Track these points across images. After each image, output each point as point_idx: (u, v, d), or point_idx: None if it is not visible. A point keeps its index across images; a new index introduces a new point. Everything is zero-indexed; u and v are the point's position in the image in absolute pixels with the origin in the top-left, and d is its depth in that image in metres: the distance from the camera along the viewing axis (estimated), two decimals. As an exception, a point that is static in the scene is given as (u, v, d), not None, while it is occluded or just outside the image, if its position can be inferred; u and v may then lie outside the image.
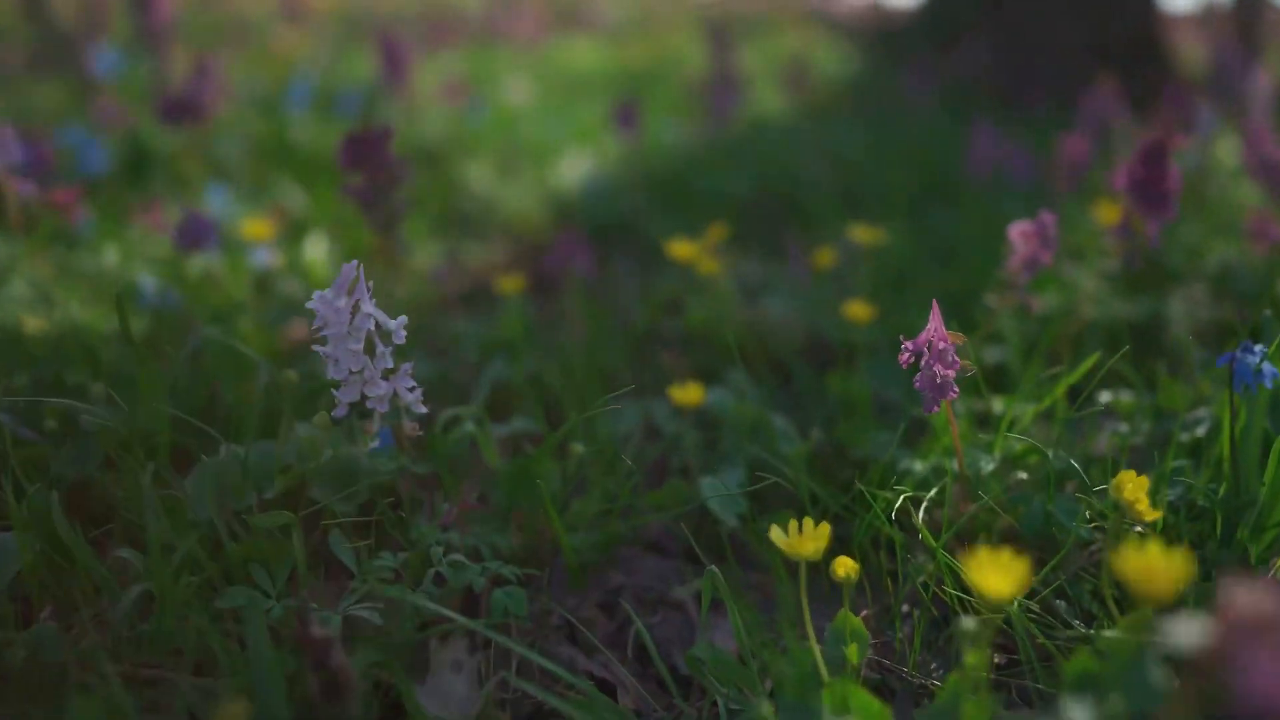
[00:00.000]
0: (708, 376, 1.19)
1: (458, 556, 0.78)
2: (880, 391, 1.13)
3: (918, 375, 0.74)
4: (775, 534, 0.66)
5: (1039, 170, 1.94)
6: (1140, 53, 3.22)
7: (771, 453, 0.97)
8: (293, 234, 1.63)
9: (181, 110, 1.70)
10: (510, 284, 1.22)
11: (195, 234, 1.10)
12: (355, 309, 0.72)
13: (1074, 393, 0.98)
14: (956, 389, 0.73)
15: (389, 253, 1.15)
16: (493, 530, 0.85)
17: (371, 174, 1.09)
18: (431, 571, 0.77)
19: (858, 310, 1.11)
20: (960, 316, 1.28)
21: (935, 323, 0.73)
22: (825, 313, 1.27)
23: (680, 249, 1.16)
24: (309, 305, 0.72)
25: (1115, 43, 3.14)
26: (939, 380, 0.72)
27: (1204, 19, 4.44)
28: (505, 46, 4.40)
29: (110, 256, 1.30)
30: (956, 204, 1.97)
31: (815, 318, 1.27)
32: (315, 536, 0.83)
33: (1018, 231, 1.01)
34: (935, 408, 0.74)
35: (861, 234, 1.26)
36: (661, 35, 5.29)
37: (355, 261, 0.72)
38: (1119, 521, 0.70)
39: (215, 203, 1.42)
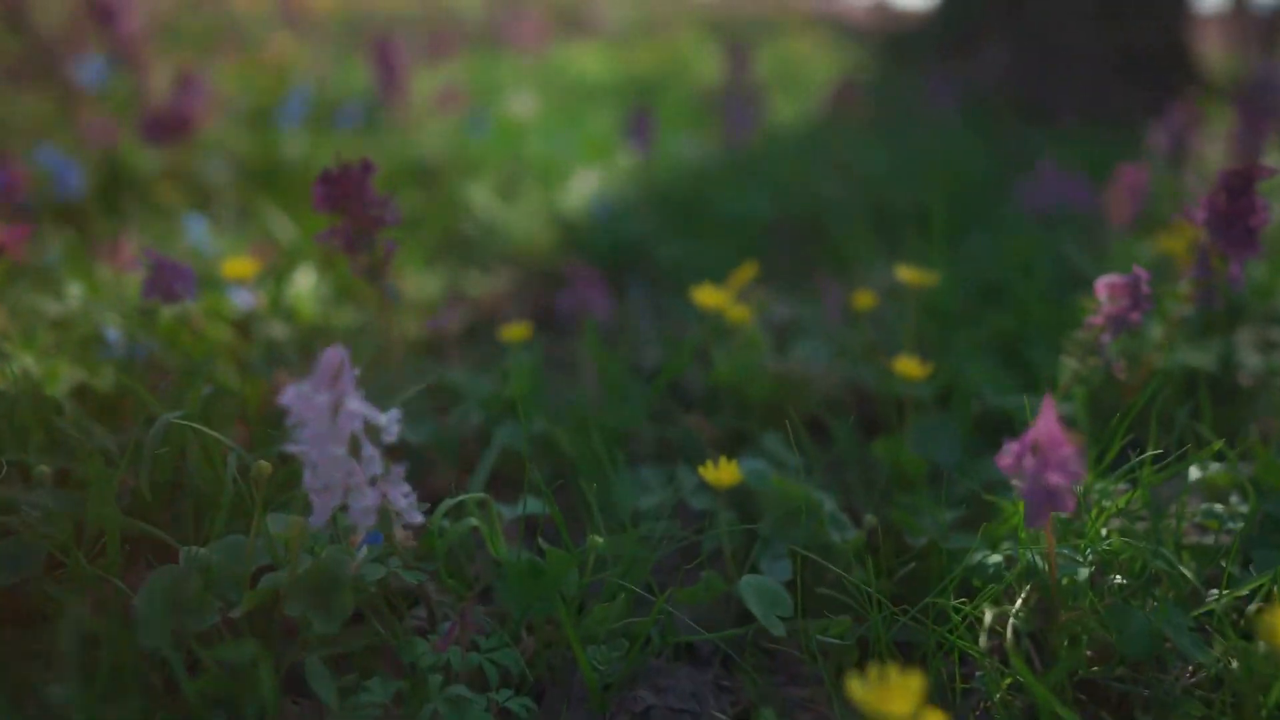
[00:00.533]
0: (738, 439, 1.07)
1: (459, 689, 0.66)
2: (933, 456, 1.01)
3: (1022, 482, 0.62)
4: (855, 689, 0.54)
5: (1075, 189, 1.82)
6: (1168, 60, 3.10)
7: (818, 541, 0.84)
8: (283, 263, 1.50)
9: (164, 128, 1.57)
10: (516, 331, 1.10)
11: (165, 285, 0.98)
12: (338, 405, 0.60)
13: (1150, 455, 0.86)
14: (1073, 500, 0.60)
15: (379, 302, 1.03)
16: (499, 644, 0.73)
17: (353, 216, 0.96)
18: (429, 708, 0.65)
19: (908, 367, 0.99)
20: (1017, 365, 1.15)
21: (1048, 420, 0.60)
22: (866, 363, 1.15)
23: (706, 296, 1.04)
24: (282, 401, 0.59)
25: (1143, 50, 3.02)
26: (1051, 490, 0.60)
27: (1229, 20, 4.31)
28: (507, 52, 4.28)
29: (75, 298, 1.18)
30: (992, 228, 1.85)
31: (855, 369, 1.14)
32: (292, 656, 0.71)
33: (1105, 285, 0.88)
34: (1043, 521, 0.61)
35: (908, 275, 1.13)
36: (667, 38, 5.17)
37: (338, 348, 0.60)
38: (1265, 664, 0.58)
39: (194, 235, 1.30)
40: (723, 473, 0.84)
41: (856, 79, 3.85)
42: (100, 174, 1.67)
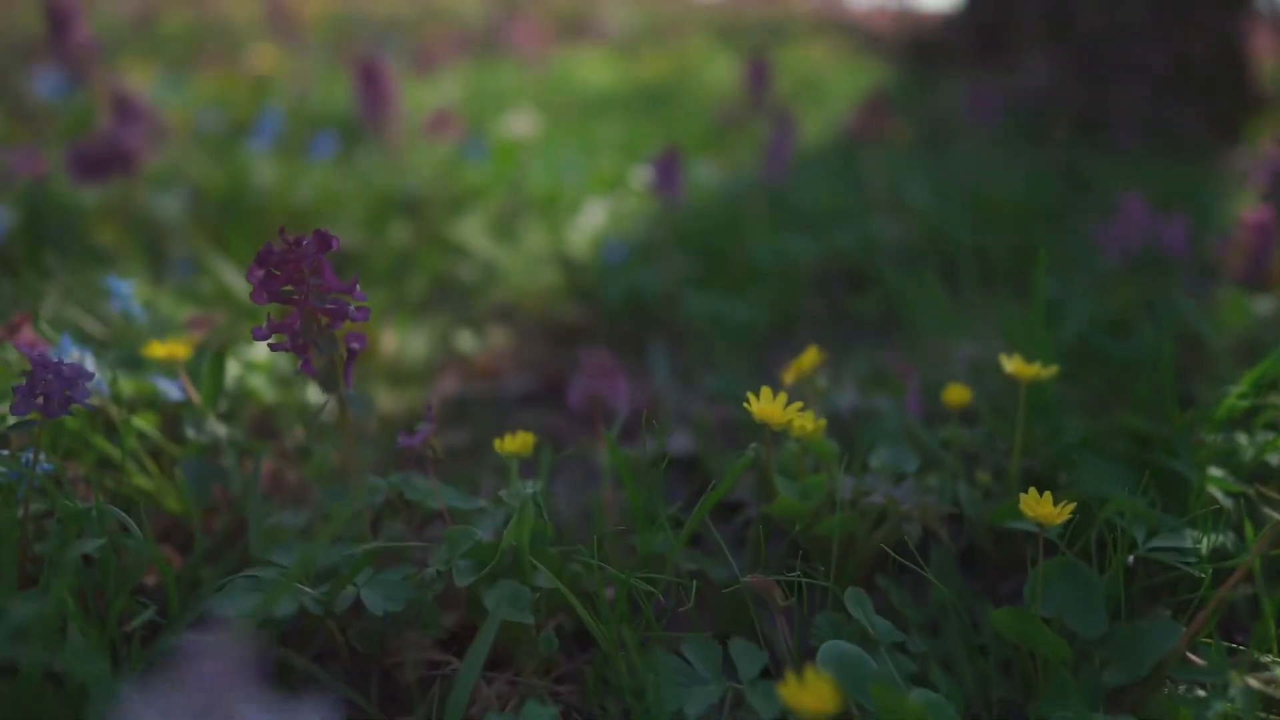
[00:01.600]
0: (812, 601, 0.82)
1: None
2: (1068, 622, 0.76)
3: None
4: None
5: (1169, 229, 1.57)
6: (1226, 72, 2.85)
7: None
8: (233, 331, 1.25)
9: (96, 165, 1.33)
10: (516, 444, 0.85)
11: (49, 394, 0.73)
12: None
13: None
14: None
15: (341, 414, 0.78)
16: None
17: (304, 309, 0.71)
18: None
19: (1040, 508, 0.74)
20: (1160, 485, 0.90)
21: None
22: (968, 487, 0.90)
23: (767, 411, 0.79)
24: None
25: (1200, 61, 2.77)
26: None
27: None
28: (507, 60, 4.03)
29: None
30: (1067, 272, 1.60)
31: (953, 489, 0.89)
32: None
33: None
34: None
35: (1016, 367, 0.88)
36: (676, 45, 4.92)
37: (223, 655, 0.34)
38: None
39: (120, 301, 1.05)
40: (811, 695, 0.59)
41: (887, 93, 3.61)
42: (24, 211, 1.42)
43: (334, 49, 3.87)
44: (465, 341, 1.41)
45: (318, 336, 0.73)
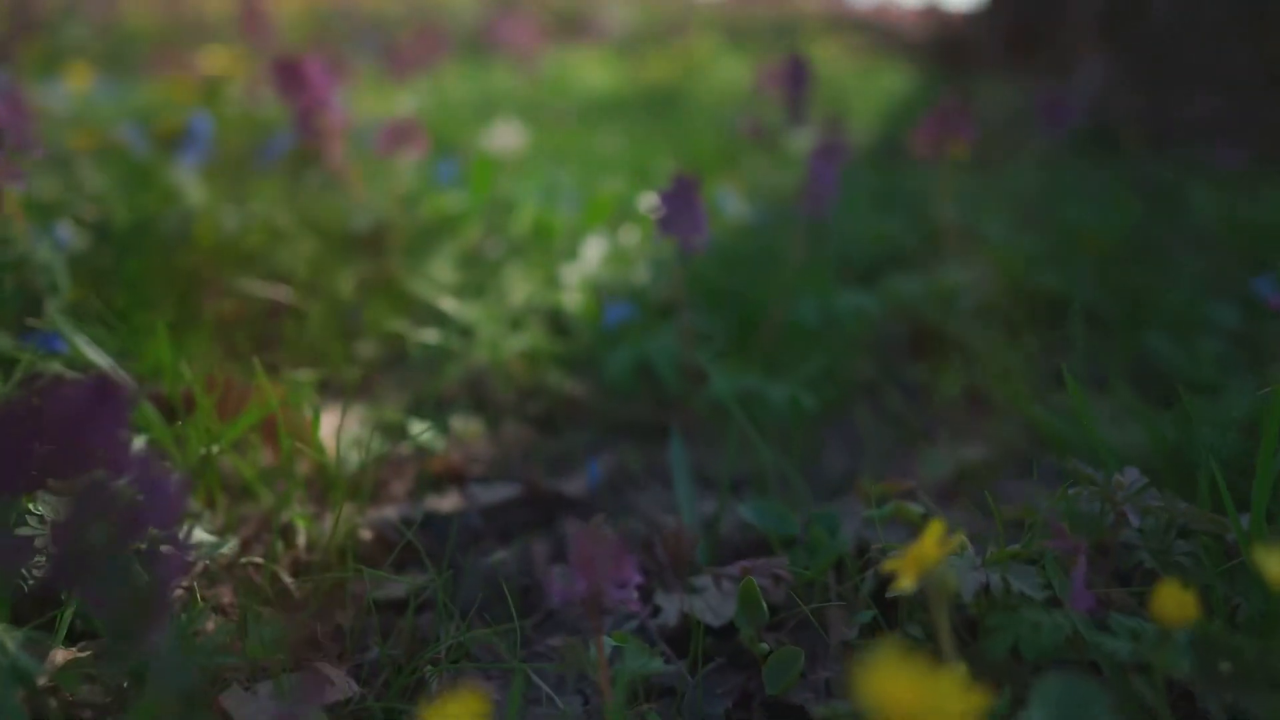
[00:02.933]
0: None
1: None
2: None
3: None
4: None
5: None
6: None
7: None
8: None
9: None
10: (461, 709, 0.50)
11: None
12: None
13: None
14: None
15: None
16: None
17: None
18: None
19: None
20: None
21: None
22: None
23: (886, 690, 0.44)
24: None
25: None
26: None
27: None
28: (499, 62, 3.69)
29: None
30: (1185, 331, 1.26)
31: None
32: None
33: None
34: None
35: (1172, 604, 0.54)
36: (679, 45, 4.57)
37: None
38: None
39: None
40: None
41: (917, 99, 3.26)
42: None
43: (306, 48, 3.52)
44: (422, 433, 1.06)
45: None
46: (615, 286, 1.35)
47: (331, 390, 1.19)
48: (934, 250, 1.47)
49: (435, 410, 1.18)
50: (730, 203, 1.59)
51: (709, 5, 6.90)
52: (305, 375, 1.07)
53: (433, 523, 0.97)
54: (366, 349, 1.29)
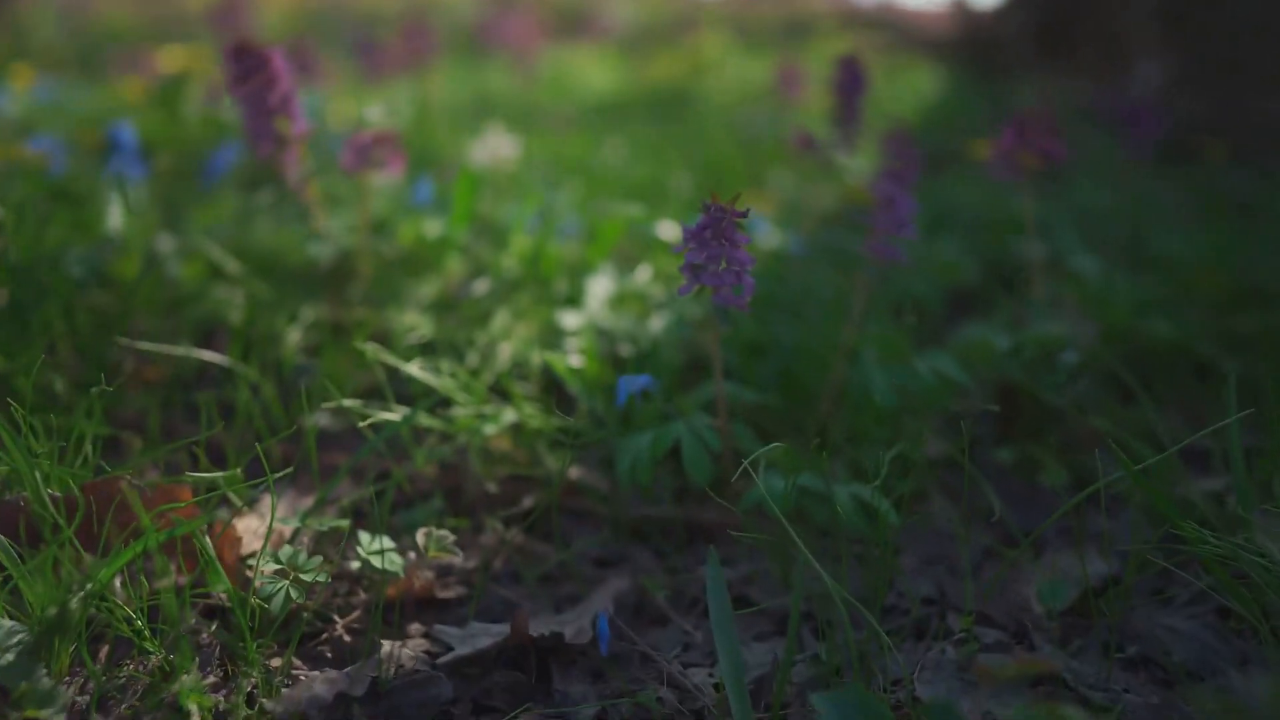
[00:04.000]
0: None
1: None
2: None
3: None
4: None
5: None
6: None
7: None
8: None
9: None
10: None
11: None
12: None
13: None
14: None
15: None
16: None
17: None
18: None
19: None
20: None
21: None
22: None
23: None
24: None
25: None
26: None
27: None
28: (494, 62, 3.43)
29: None
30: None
31: None
32: None
33: None
34: None
35: None
36: (686, 44, 4.31)
37: None
38: None
39: None
40: None
41: (953, 103, 3.00)
42: None
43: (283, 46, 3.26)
44: (377, 553, 0.79)
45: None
46: (626, 336, 1.09)
47: (256, 498, 0.93)
48: (1007, 284, 1.21)
49: (399, 508, 0.92)
50: (763, 229, 1.33)
51: (715, 2, 6.63)
52: (227, 472, 0.81)
53: (386, 695, 0.70)
54: (318, 420, 1.03)
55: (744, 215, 0.76)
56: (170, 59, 2.14)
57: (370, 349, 0.91)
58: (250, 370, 0.98)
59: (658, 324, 1.11)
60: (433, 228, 1.26)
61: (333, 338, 1.12)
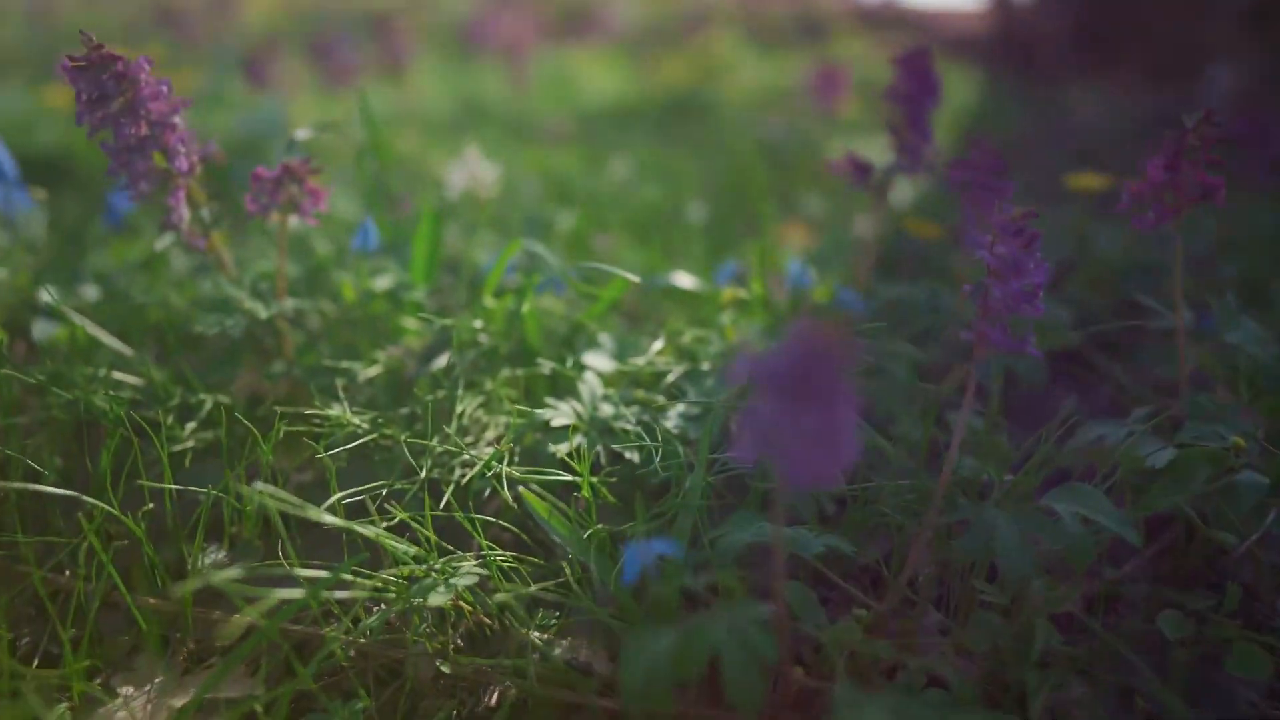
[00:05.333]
0: None
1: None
2: None
3: None
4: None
5: None
6: None
7: None
8: None
9: None
10: None
11: None
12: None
13: None
14: None
15: None
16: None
17: None
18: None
19: None
20: None
21: None
22: None
23: None
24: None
25: None
26: None
27: None
28: (490, 62, 3.14)
29: None
30: None
31: None
32: None
33: None
34: None
35: None
36: (697, 44, 4.02)
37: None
38: None
39: None
40: None
41: (991, 111, 2.70)
42: None
43: (257, 47, 2.98)
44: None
45: None
46: (634, 437, 0.80)
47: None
48: (1115, 351, 0.92)
49: (306, 712, 0.64)
50: (803, 275, 1.04)
51: (723, 1, 6.33)
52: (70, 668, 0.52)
53: None
54: (210, 559, 0.74)
55: (847, 357, 0.47)
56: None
57: (264, 493, 0.62)
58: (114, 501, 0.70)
59: (675, 420, 0.82)
60: (384, 280, 0.98)
61: (237, 438, 0.84)
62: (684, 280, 1.05)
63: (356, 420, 0.80)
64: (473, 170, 1.28)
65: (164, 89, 0.82)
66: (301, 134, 0.96)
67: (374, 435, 0.80)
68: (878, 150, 1.98)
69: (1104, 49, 3.17)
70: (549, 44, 3.71)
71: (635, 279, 0.86)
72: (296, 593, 0.60)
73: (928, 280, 1.04)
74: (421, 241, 0.95)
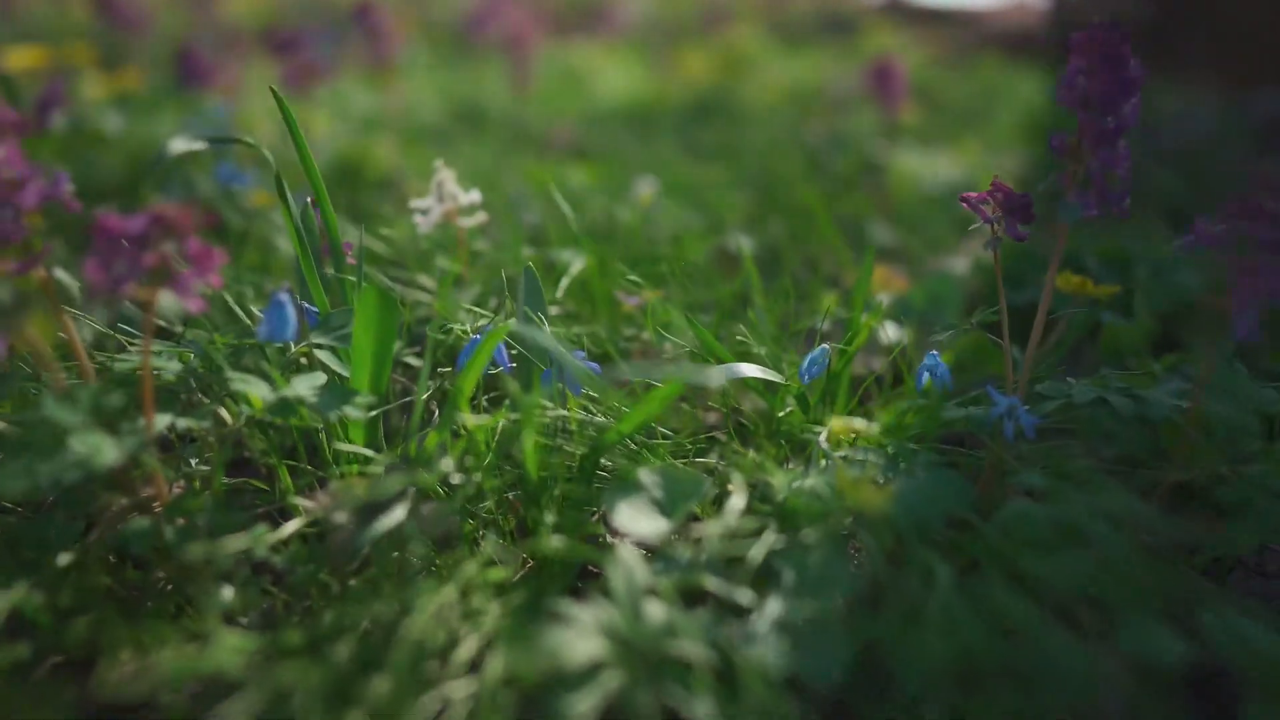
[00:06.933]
0: None
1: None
2: None
3: None
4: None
5: None
6: None
7: None
8: None
9: None
10: None
11: None
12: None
13: None
14: None
15: None
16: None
17: None
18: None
19: None
20: None
21: None
22: None
23: None
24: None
25: None
26: None
27: None
28: (493, 59, 2.82)
29: None
30: None
31: None
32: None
33: None
34: None
35: None
36: (717, 39, 3.68)
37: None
38: None
39: None
40: None
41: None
42: None
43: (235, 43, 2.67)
44: None
45: None
46: (699, 681, 0.48)
47: None
48: None
49: None
50: (940, 371, 0.71)
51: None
52: None
53: None
54: None
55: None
56: (19, 58, 1.53)
57: None
58: None
59: (769, 631, 0.49)
60: (305, 384, 0.64)
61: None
62: (753, 371, 0.72)
63: (241, 644, 0.48)
64: (448, 194, 0.95)
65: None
66: (178, 145, 0.63)
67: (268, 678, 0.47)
68: (951, 167, 1.64)
69: (1174, 48, 2.84)
70: (561, 40, 3.38)
71: (691, 378, 0.54)
72: None
73: (1111, 371, 0.71)
74: (365, 332, 0.63)
